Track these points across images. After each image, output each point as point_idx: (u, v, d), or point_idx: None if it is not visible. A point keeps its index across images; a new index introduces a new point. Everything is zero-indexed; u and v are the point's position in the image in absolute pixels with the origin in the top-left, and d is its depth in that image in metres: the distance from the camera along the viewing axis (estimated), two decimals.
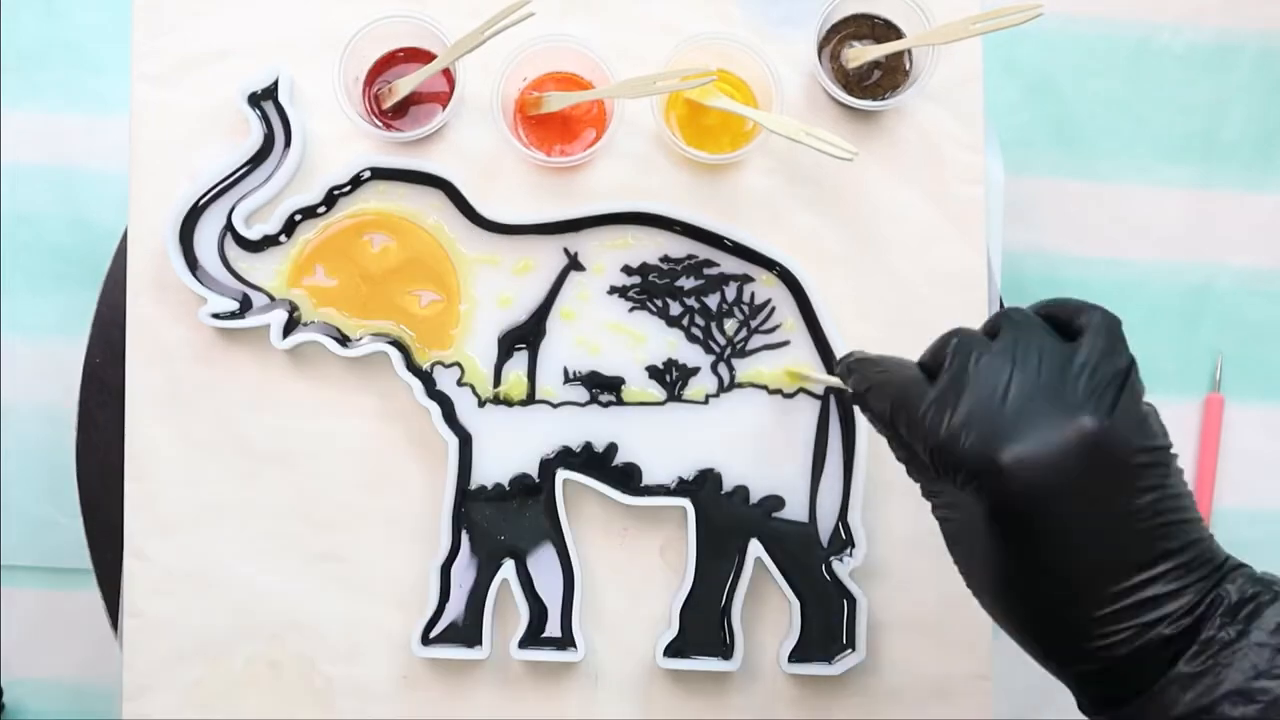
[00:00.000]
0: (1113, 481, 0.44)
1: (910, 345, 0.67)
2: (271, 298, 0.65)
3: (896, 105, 0.66)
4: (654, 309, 0.66)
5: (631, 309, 0.66)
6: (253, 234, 0.64)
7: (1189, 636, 0.44)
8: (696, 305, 0.66)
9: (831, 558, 0.65)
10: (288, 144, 0.65)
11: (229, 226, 0.64)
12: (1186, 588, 0.45)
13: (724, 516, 0.65)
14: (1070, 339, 0.48)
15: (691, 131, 0.65)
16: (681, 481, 0.65)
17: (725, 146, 0.65)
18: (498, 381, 0.65)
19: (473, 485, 0.65)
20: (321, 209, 0.65)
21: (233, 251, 0.65)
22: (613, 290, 0.66)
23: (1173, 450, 0.46)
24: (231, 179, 0.65)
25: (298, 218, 0.65)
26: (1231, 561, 0.47)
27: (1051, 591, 0.45)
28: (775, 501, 0.65)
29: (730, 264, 0.66)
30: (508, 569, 0.64)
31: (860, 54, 0.65)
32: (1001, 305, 0.71)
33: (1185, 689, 0.43)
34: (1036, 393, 0.45)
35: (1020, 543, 0.45)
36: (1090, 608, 0.45)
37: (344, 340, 0.65)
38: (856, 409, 0.64)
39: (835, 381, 0.58)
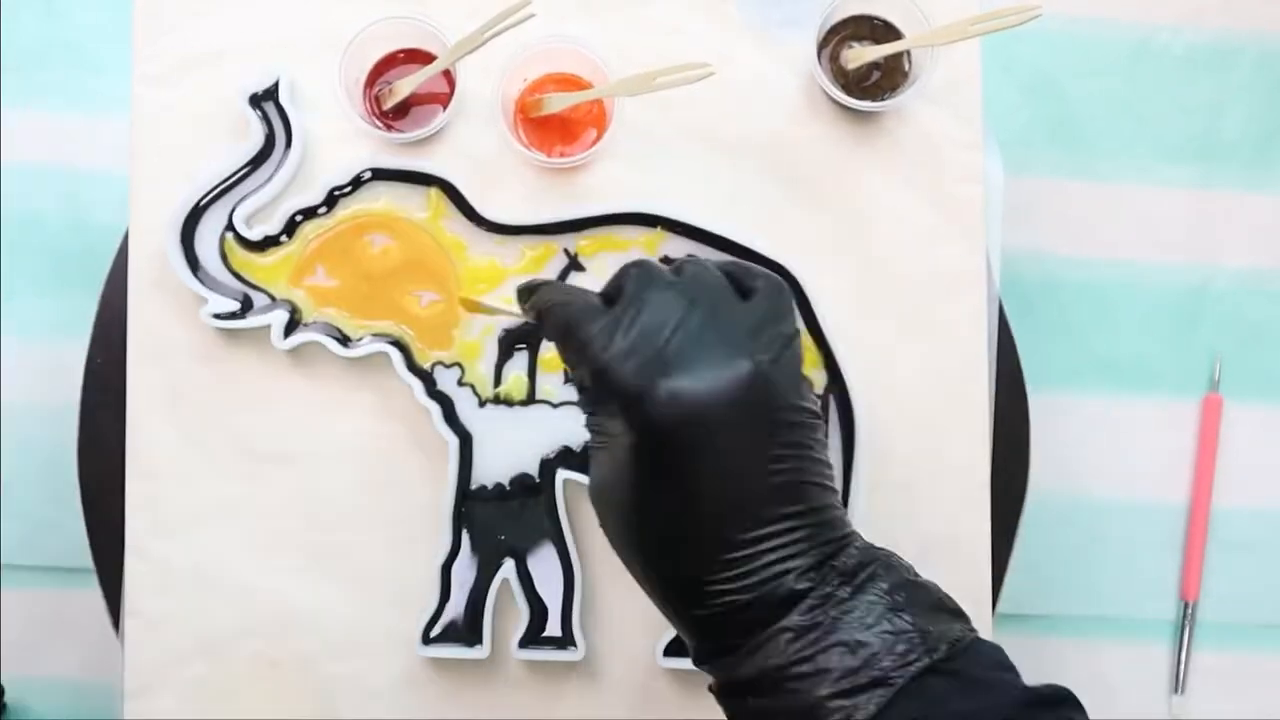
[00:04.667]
0: (761, 431, 0.45)
1: (910, 345, 0.67)
2: (272, 298, 0.65)
3: (896, 106, 0.67)
4: None
5: None
6: (254, 234, 0.64)
7: (805, 592, 0.45)
8: None
9: None
10: (288, 145, 0.65)
11: (230, 227, 0.65)
12: (811, 548, 0.45)
13: None
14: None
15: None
16: None
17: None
18: (498, 381, 0.65)
19: (473, 485, 0.65)
20: (322, 210, 0.65)
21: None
22: None
23: (822, 425, 0.48)
24: (232, 180, 0.65)
25: (299, 218, 0.65)
26: (855, 536, 0.48)
27: (681, 531, 0.46)
28: None
29: None
30: (508, 569, 0.65)
31: (859, 55, 0.65)
32: (1001, 306, 0.71)
33: (794, 639, 0.44)
34: (704, 333, 0.46)
35: (659, 477, 0.45)
36: (716, 551, 0.45)
37: (345, 340, 0.65)
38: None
39: (514, 311, 0.56)
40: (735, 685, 0.46)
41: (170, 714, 0.65)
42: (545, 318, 0.50)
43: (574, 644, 0.64)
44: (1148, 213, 0.87)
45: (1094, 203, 0.87)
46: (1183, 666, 0.83)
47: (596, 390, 0.47)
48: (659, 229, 0.66)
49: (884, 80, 0.67)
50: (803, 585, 0.45)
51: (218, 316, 0.64)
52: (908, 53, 0.66)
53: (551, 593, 0.65)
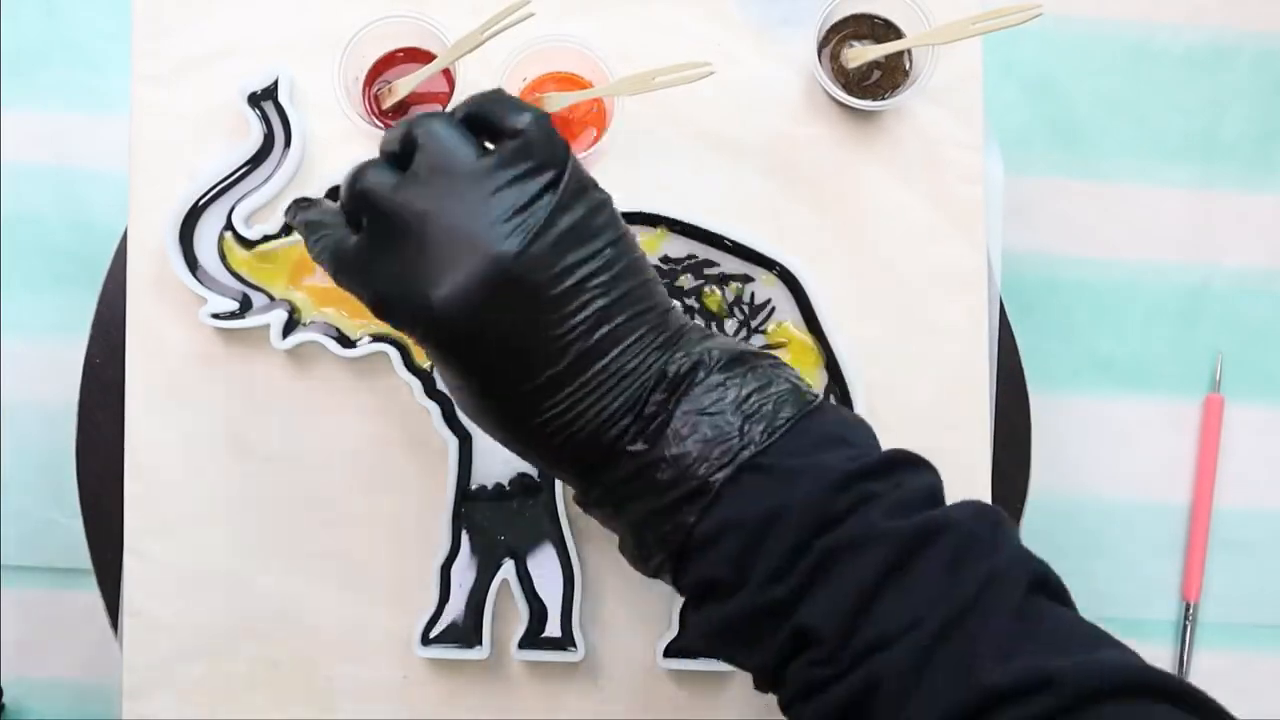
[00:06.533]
0: (530, 309, 0.46)
1: (910, 345, 0.67)
2: (271, 297, 0.65)
3: (896, 105, 0.67)
4: None
5: None
6: (253, 234, 0.64)
7: (631, 423, 0.47)
8: (696, 305, 0.66)
9: None
10: (288, 144, 0.65)
11: (229, 226, 0.64)
12: (622, 389, 0.47)
13: None
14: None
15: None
16: None
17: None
18: None
19: (473, 485, 0.65)
20: None
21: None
22: None
23: (622, 234, 0.48)
24: (231, 179, 0.65)
25: None
26: (688, 329, 0.49)
27: (505, 407, 0.47)
28: None
29: (730, 264, 0.66)
30: (508, 569, 0.64)
31: (860, 54, 0.65)
32: (1002, 305, 0.71)
33: (633, 458, 0.47)
34: (454, 227, 0.46)
35: (465, 371, 0.47)
36: (534, 416, 0.47)
37: (344, 340, 0.65)
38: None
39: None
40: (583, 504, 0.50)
41: (170, 714, 0.65)
42: (314, 251, 0.51)
43: (574, 644, 0.64)
44: (1148, 213, 0.87)
45: (1094, 203, 0.87)
46: (1184, 667, 0.82)
47: (379, 316, 0.48)
48: (660, 229, 0.66)
49: (884, 79, 0.67)
50: (627, 421, 0.47)
51: (216, 316, 0.64)
52: (908, 52, 0.66)
53: (551, 593, 0.65)
